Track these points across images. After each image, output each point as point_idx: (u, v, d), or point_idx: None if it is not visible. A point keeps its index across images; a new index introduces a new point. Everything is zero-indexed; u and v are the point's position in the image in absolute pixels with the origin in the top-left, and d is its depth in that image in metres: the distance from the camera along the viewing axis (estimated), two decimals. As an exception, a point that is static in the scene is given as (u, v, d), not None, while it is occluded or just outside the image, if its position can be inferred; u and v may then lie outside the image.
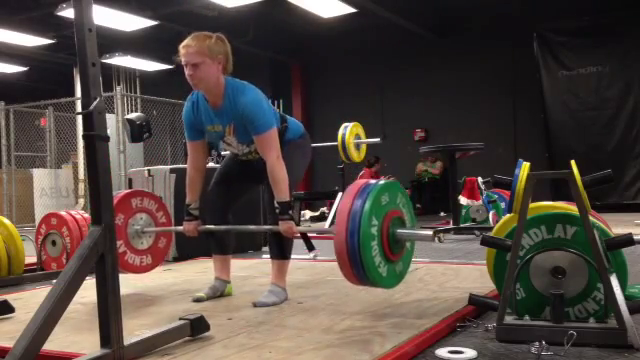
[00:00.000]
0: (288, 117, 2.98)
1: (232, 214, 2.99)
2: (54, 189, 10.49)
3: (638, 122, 9.15)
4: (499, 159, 9.66)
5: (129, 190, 3.02)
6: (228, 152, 3.05)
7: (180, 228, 2.95)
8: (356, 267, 2.22)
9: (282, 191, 2.65)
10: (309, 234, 2.83)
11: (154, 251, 3.11)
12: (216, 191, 2.97)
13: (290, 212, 2.66)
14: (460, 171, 6.47)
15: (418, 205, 10.99)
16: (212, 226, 2.89)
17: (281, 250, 2.85)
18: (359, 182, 2.38)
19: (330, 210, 7.51)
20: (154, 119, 9.80)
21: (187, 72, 2.65)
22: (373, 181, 2.36)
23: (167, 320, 2.40)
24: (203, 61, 2.62)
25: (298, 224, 7.96)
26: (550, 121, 9.68)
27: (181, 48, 2.66)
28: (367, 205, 2.22)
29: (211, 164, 5.44)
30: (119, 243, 2.89)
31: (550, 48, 9.67)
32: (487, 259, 2.41)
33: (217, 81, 2.69)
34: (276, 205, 2.67)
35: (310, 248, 2.80)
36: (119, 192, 3.01)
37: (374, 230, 2.23)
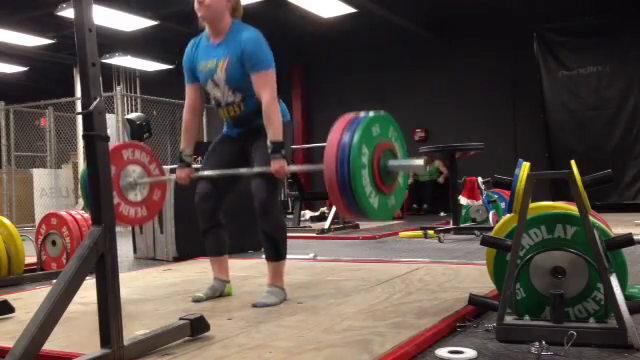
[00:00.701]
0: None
1: (224, 214, 2.97)
2: (54, 189, 10.50)
3: (638, 122, 9.14)
4: (499, 159, 9.65)
5: (119, 144, 3.02)
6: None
7: (173, 177, 2.95)
8: (346, 196, 2.18)
9: (276, 131, 2.66)
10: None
11: (149, 203, 3.07)
12: (204, 189, 2.91)
13: (282, 152, 2.65)
14: (460, 171, 6.47)
15: (415, 206, 10.90)
16: (206, 172, 2.87)
17: (276, 251, 2.83)
18: (348, 115, 2.35)
19: (330, 210, 7.51)
20: (154, 119, 9.80)
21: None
22: (363, 113, 2.34)
23: (167, 320, 2.40)
24: None
25: (298, 224, 7.87)
26: (550, 121, 9.67)
27: None
28: (357, 135, 2.19)
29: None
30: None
31: (550, 48, 9.67)
32: (487, 259, 2.41)
33: (223, 16, 2.75)
34: (269, 144, 2.67)
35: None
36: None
37: (364, 159, 2.20)
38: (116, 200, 2.89)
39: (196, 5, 2.72)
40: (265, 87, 2.69)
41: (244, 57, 2.70)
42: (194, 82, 2.92)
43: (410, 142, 11.31)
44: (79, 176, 10.46)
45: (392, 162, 2.32)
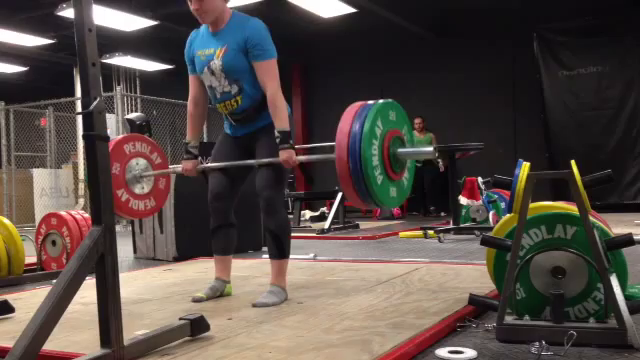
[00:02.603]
0: None
1: (235, 214, 2.99)
2: (54, 189, 10.49)
3: (638, 122, 9.14)
4: (499, 159, 9.65)
5: (120, 137, 3.01)
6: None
7: (179, 169, 2.96)
8: (358, 183, 2.19)
9: (282, 119, 2.66)
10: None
11: (156, 193, 3.09)
12: (217, 189, 2.92)
13: (290, 141, 2.66)
14: (460, 171, 6.46)
15: (433, 208, 10.03)
16: (211, 164, 2.89)
17: (280, 249, 2.84)
18: (357, 103, 2.36)
19: (330, 210, 7.52)
20: (154, 119, 9.80)
21: (192, 7, 2.68)
22: (372, 101, 2.35)
23: (167, 320, 2.40)
24: None
25: (298, 224, 7.87)
26: (550, 121, 9.67)
27: None
28: (367, 123, 2.21)
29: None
30: (120, 192, 2.88)
31: (550, 48, 9.66)
32: (487, 259, 2.41)
33: (223, 11, 2.74)
34: (277, 134, 2.67)
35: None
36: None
37: (375, 146, 2.21)
38: (125, 197, 2.91)
39: (193, 11, 2.70)
40: (270, 76, 2.70)
41: (248, 45, 2.69)
42: (195, 73, 2.92)
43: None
44: (81, 174, 10.50)
45: (401, 149, 2.33)
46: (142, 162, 3.02)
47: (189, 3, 2.68)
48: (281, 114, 2.66)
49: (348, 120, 2.24)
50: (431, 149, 2.36)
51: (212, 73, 2.79)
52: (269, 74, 2.70)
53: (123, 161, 2.92)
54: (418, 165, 9.26)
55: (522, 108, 10.45)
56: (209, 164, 2.91)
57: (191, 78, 2.94)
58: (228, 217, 2.95)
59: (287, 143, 2.64)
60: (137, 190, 2.99)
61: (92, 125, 1.75)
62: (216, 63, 2.76)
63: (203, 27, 2.87)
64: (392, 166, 2.29)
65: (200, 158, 2.98)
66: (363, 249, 5.33)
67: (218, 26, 2.77)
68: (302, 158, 2.69)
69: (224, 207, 2.93)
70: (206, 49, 2.80)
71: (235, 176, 2.94)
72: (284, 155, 2.63)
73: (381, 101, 2.32)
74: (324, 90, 12.50)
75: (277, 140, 2.66)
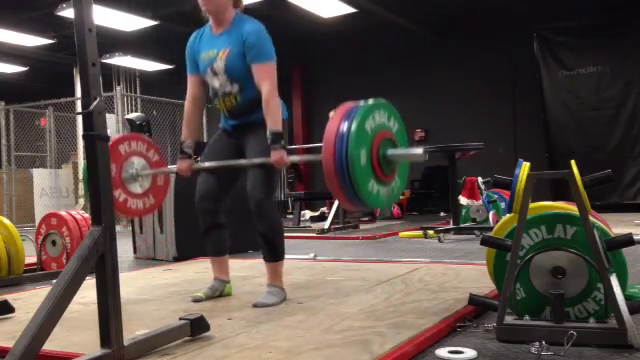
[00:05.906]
0: None
1: (225, 214, 2.97)
2: (54, 189, 10.50)
3: (638, 122, 9.15)
4: (499, 159, 9.66)
5: (114, 138, 2.98)
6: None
7: (174, 168, 2.94)
8: (345, 184, 2.16)
9: (276, 121, 2.66)
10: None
11: (155, 191, 3.06)
12: (204, 190, 2.91)
13: (282, 142, 2.65)
14: (460, 171, 6.47)
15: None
16: (206, 164, 2.88)
17: (273, 252, 2.81)
18: (347, 104, 2.33)
19: (330, 210, 7.52)
20: (154, 119, 9.81)
21: None
22: (362, 102, 2.33)
23: (167, 320, 2.40)
24: None
25: (298, 224, 7.84)
26: (550, 121, 9.68)
27: None
28: (355, 123, 2.18)
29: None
30: (117, 192, 2.85)
31: (550, 48, 9.67)
32: (487, 259, 2.41)
33: (226, 8, 2.76)
34: (269, 135, 2.65)
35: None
36: None
37: (363, 147, 2.18)
38: (122, 197, 2.89)
39: (200, 1, 2.74)
40: (265, 78, 2.69)
41: (246, 48, 2.70)
42: (195, 73, 2.93)
43: (410, 142, 11.33)
44: (81, 174, 10.50)
45: (391, 151, 2.31)
46: (139, 161, 3.00)
47: None
48: (274, 115, 2.66)
49: (336, 119, 2.22)
50: (420, 152, 2.35)
51: (215, 74, 2.82)
52: (265, 76, 2.69)
53: (119, 162, 2.90)
54: None
55: (522, 108, 10.46)
56: (203, 164, 2.90)
57: (190, 78, 2.95)
58: (216, 219, 2.92)
59: (278, 144, 2.63)
60: (135, 189, 2.97)
61: (92, 125, 1.75)
62: (219, 64, 2.78)
63: (206, 28, 2.89)
64: (381, 167, 2.27)
65: (196, 159, 2.97)
66: (363, 249, 5.33)
67: (220, 27, 2.79)
68: (294, 158, 2.68)
69: (211, 209, 2.90)
70: (209, 50, 2.82)
71: (224, 177, 2.91)
72: (276, 156, 2.62)
73: (371, 101, 2.30)
74: (324, 90, 12.50)
75: (269, 140, 2.65)
